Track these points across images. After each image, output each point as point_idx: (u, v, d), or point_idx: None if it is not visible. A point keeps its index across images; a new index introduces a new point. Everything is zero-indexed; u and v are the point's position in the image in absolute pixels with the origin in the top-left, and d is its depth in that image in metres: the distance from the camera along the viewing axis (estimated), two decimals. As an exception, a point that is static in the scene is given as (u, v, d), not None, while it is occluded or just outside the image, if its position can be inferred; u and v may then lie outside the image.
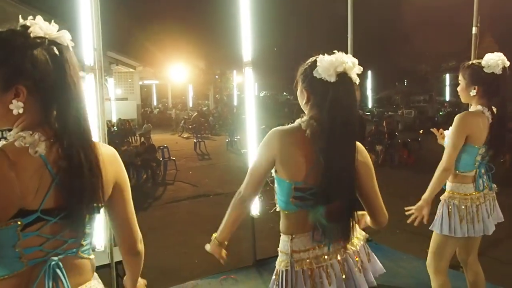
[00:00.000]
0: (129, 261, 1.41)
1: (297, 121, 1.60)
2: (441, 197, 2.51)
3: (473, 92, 2.35)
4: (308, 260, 1.54)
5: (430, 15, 21.77)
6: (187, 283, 3.68)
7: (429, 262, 2.55)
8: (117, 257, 3.39)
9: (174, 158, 10.54)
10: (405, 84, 35.56)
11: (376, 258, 1.69)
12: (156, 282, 4.26)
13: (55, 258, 1.10)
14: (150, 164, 9.49)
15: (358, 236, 1.66)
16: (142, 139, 14.05)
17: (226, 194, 7.77)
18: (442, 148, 2.49)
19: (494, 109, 2.36)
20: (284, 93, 39.27)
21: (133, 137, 16.35)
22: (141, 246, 1.37)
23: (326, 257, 1.55)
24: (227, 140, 14.69)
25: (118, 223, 1.31)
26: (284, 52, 31.12)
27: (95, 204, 1.16)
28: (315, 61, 1.54)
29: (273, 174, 1.61)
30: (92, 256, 1.24)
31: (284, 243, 1.63)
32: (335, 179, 1.49)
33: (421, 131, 14.99)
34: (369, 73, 31.05)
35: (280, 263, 1.62)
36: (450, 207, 2.42)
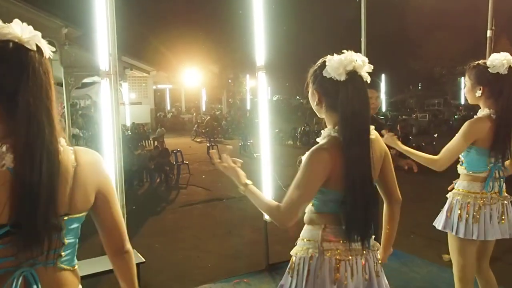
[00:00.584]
0: (119, 265, 1.31)
1: (326, 133, 1.58)
2: (448, 194, 2.48)
3: (478, 93, 2.33)
4: (338, 251, 1.53)
5: (445, 17, 21.55)
6: (200, 287, 3.69)
7: (453, 266, 2.50)
8: (131, 259, 3.43)
9: (187, 162, 10.60)
10: (420, 87, 35.16)
11: (383, 274, 1.67)
12: (169, 286, 4.29)
13: (28, 268, 1.07)
14: (164, 168, 9.56)
15: (373, 245, 1.65)
16: (156, 143, 14.15)
17: (239, 198, 7.77)
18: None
19: None
20: (297, 97, 39.23)
21: (147, 141, 16.48)
22: (129, 246, 1.30)
23: (350, 252, 1.55)
24: (240, 144, 14.71)
25: (106, 227, 1.27)
26: (298, 56, 31.11)
27: (65, 216, 1.11)
28: (324, 61, 1.55)
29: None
30: (75, 267, 1.20)
31: (313, 232, 1.59)
32: (356, 180, 1.51)
33: (435, 135, 14.80)
34: (383, 76, 30.83)
35: (305, 250, 1.58)
36: (453, 203, 2.40)
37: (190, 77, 27.61)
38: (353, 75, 1.50)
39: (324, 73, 1.52)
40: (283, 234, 5.05)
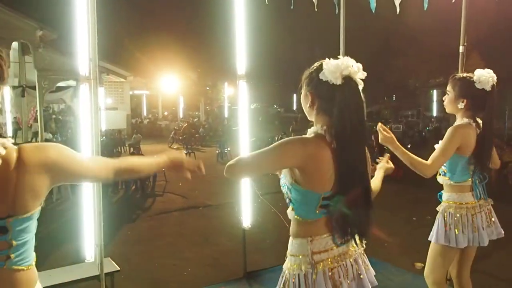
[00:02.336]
0: (119, 174, 1.47)
1: (313, 130, 1.60)
2: (438, 207, 2.54)
3: (461, 105, 2.40)
4: (329, 260, 1.56)
5: (419, 33, 22.25)
6: (177, 295, 3.64)
7: (427, 273, 2.55)
8: (107, 268, 3.37)
9: (163, 169, 10.46)
10: (394, 99, 36.00)
11: (372, 269, 1.71)
12: (145, 294, 4.22)
13: None
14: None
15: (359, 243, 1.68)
16: (132, 149, 13.94)
17: (216, 206, 7.73)
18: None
19: (479, 121, 2.43)
20: (275, 106, 39.47)
21: (122, 147, 16.21)
22: (115, 172, 1.41)
23: (340, 257, 1.58)
24: (217, 152, 14.65)
25: (87, 178, 1.36)
26: (276, 66, 31.39)
27: (9, 218, 1.09)
28: (321, 64, 1.57)
29: (290, 185, 1.58)
30: (28, 267, 1.17)
31: (301, 245, 1.60)
32: (351, 181, 1.53)
33: (409, 146, 15.18)
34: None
35: (297, 266, 1.59)
36: (446, 216, 2.46)
37: (168, 83, 27.38)
38: (348, 80, 1.53)
39: (321, 76, 1.55)
40: (261, 242, 5.07)
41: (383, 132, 2.32)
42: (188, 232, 6.28)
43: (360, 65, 1.57)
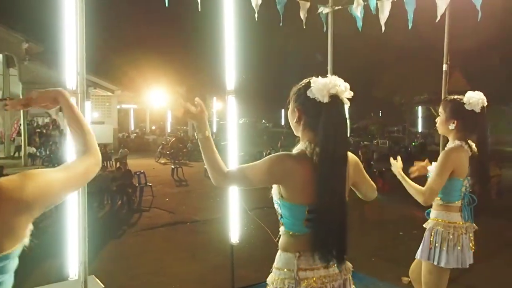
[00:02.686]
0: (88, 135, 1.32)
1: (299, 147, 1.63)
2: (425, 225, 2.55)
3: (451, 126, 2.46)
4: (313, 279, 1.55)
5: (405, 51, 22.78)
6: (162, 313, 3.57)
7: None
8: (91, 286, 3.28)
9: (150, 184, 10.38)
10: (380, 114, 36.59)
11: None
12: (130, 312, 4.13)
13: None
14: (126, 190, 9.30)
15: (347, 268, 1.67)
16: (118, 164, 13.80)
17: (203, 222, 7.66)
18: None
19: (471, 143, 2.48)
20: (263, 121, 39.70)
21: (108, 162, 16.04)
22: (89, 149, 1.28)
23: (326, 279, 1.57)
24: (205, 166, 14.54)
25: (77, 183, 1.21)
26: (264, 81, 31.66)
27: None
28: (309, 82, 1.60)
29: (278, 201, 1.62)
30: None
31: (288, 260, 1.60)
32: (329, 198, 1.54)
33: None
34: (346, 103, 31.71)
35: (280, 281, 1.59)
36: (433, 234, 2.46)
37: (156, 97, 27.35)
38: (335, 98, 1.56)
39: (308, 93, 1.58)
40: (249, 258, 5.03)
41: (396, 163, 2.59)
42: (175, 248, 6.21)
43: (347, 85, 1.60)
